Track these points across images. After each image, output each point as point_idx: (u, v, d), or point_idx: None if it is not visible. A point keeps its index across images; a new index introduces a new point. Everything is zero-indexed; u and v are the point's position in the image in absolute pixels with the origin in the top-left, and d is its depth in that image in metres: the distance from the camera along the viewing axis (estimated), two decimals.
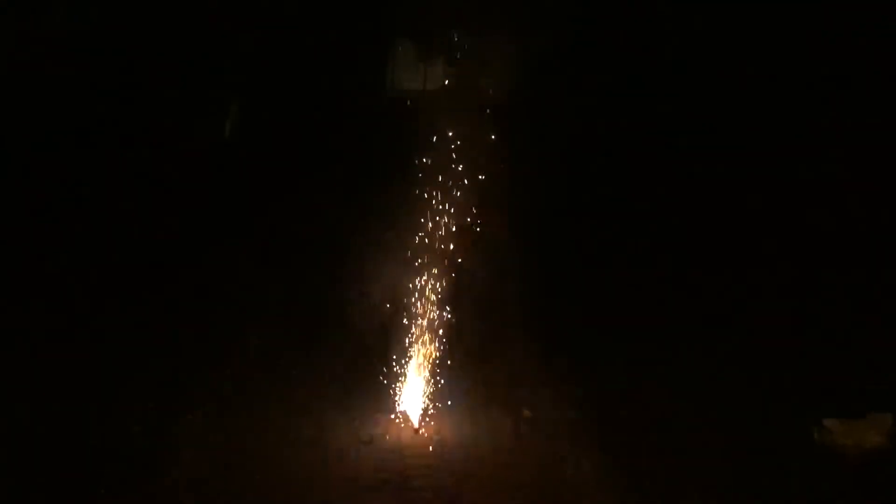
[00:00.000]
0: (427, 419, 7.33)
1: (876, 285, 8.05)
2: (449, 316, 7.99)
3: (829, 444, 6.83)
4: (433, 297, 8.12)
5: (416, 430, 7.21)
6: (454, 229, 8.29)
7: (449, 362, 7.75)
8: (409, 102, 9.60)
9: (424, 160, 8.39)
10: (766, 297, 8.20)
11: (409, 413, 7.38)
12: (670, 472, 6.29)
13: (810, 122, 8.88)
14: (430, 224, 8.32)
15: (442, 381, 7.63)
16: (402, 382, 7.69)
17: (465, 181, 8.45)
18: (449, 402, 7.43)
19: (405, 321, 7.99)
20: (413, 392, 7.62)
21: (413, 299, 8.10)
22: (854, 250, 8.35)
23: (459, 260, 8.17)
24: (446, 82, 9.63)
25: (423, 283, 8.15)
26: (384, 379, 7.64)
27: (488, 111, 8.53)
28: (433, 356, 7.88)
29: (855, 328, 7.65)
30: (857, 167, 8.58)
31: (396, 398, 7.55)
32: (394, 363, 7.80)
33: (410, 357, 7.88)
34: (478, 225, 8.29)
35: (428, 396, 7.57)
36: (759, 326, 7.82)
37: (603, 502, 6.04)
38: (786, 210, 8.70)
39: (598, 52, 9.36)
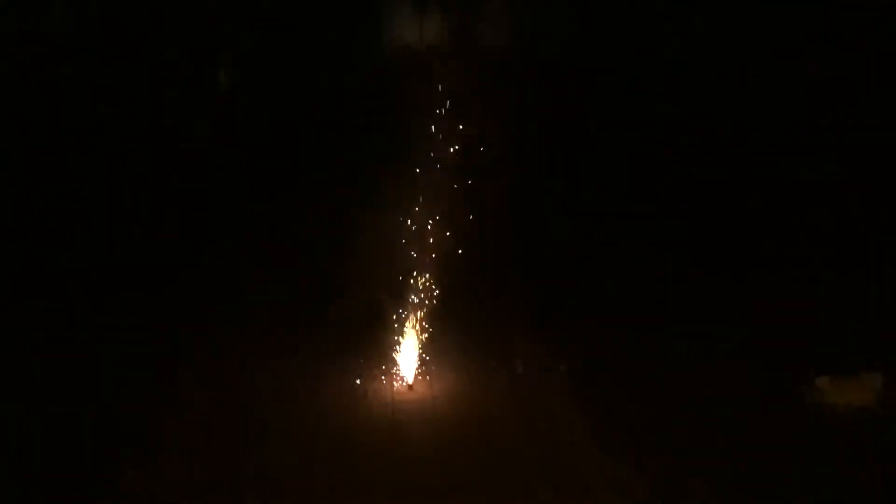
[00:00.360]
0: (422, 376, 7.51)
1: (868, 247, 8.29)
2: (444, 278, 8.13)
3: (819, 402, 6.99)
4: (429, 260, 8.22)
5: (410, 387, 7.39)
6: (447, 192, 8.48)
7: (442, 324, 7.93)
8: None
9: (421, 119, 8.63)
10: (759, 256, 8.41)
11: (403, 371, 7.50)
12: (659, 426, 6.45)
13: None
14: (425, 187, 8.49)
15: (437, 341, 7.79)
16: (398, 340, 7.80)
17: (462, 141, 8.61)
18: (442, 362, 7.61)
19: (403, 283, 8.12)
20: (409, 351, 7.72)
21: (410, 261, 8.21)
22: (846, 211, 8.57)
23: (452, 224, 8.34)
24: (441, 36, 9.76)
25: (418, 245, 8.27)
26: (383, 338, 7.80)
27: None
28: (427, 319, 8.01)
29: (848, 288, 7.87)
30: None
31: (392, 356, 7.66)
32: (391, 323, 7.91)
33: (406, 317, 7.97)
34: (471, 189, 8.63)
35: (423, 355, 7.69)
36: (753, 285, 8.07)
37: (591, 455, 6.15)
38: (772, 169, 8.93)
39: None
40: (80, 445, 6.29)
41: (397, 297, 8.00)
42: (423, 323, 7.92)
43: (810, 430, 6.49)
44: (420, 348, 7.73)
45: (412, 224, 8.30)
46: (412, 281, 8.10)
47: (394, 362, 7.59)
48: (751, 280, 8.17)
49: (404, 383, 7.41)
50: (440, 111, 8.66)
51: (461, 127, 8.58)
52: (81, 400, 6.79)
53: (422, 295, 8.06)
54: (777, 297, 7.83)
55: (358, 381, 7.27)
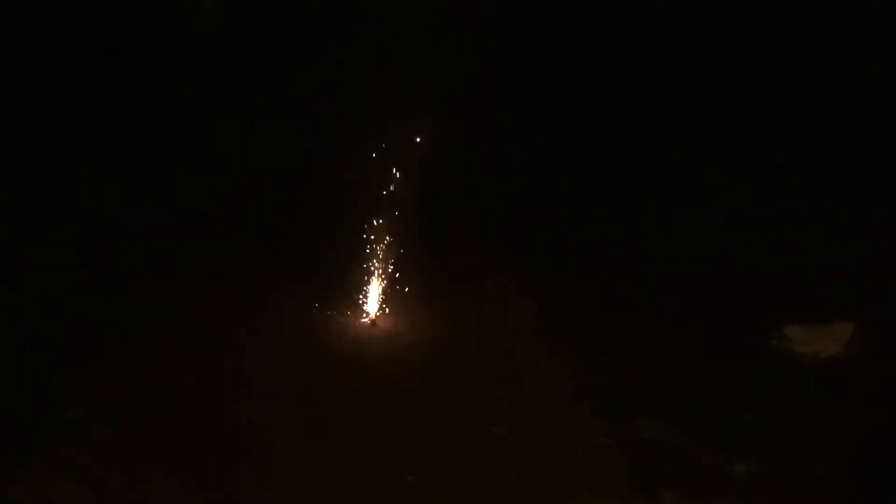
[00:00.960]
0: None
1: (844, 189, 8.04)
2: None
3: (787, 351, 6.93)
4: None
5: (373, 322, 7.04)
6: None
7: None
8: None
9: None
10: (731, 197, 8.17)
11: (364, 302, 7.16)
12: (625, 371, 6.26)
13: None
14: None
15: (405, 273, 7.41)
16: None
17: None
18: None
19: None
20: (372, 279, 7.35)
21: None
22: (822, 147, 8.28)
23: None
24: None
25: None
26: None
27: None
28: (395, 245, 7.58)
29: (820, 232, 7.67)
30: None
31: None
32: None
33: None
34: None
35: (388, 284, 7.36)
36: (719, 226, 7.83)
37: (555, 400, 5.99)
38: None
39: None
40: None
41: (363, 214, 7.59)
42: (391, 248, 7.50)
43: (778, 379, 6.44)
44: (384, 277, 7.32)
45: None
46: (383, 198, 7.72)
47: (354, 291, 7.22)
48: (717, 221, 7.98)
49: (366, 317, 7.04)
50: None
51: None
52: None
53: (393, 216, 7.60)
54: (744, 241, 7.66)
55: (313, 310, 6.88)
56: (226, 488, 4.79)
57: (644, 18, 8.10)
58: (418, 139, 7.97)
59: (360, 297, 7.25)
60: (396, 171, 7.82)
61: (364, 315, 7.13)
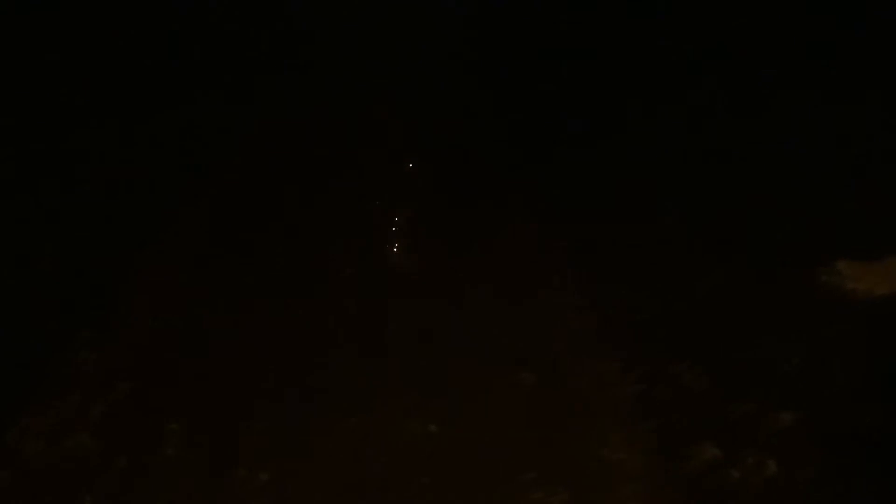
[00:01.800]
0: None
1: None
2: None
3: (838, 287, 6.51)
4: None
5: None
6: None
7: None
8: None
9: None
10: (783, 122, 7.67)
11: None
12: (663, 309, 5.88)
13: None
14: None
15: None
16: None
17: None
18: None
19: None
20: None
21: None
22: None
23: None
24: None
25: None
26: None
27: None
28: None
29: (876, 162, 7.16)
30: None
31: None
32: None
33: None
34: None
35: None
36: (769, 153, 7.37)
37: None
38: None
39: None
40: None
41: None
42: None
43: (827, 320, 6.04)
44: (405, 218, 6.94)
45: None
46: None
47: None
48: (767, 148, 7.52)
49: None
50: None
51: None
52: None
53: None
54: (795, 171, 7.19)
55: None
56: (237, 441, 4.61)
57: None
58: None
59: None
60: None
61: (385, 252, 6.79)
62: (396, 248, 6.43)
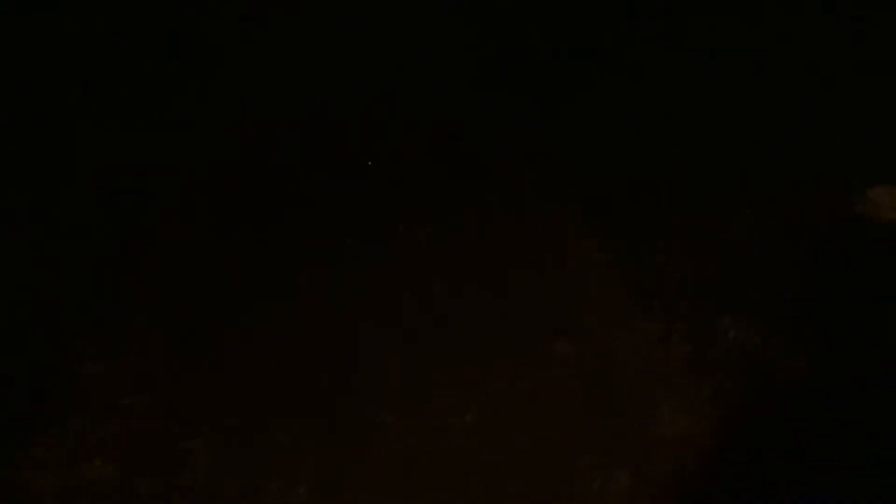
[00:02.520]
0: None
1: None
2: None
3: (872, 215, 6.19)
4: None
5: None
6: None
7: None
8: None
9: None
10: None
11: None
12: (699, 261, 5.53)
13: None
14: None
15: None
16: None
17: None
18: None
19: None
20: None
21: None
22: None
23: None
24: None
25: None
26: None
27: None
28: None
29: None
30: None
31: None
32: None
33: None
34: None
35: None
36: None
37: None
38: None
39: None
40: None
41: None
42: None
43: (859, 244, 5.75)
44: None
45: None
46: None
47: None
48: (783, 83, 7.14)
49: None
50: None
51: None
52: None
53: None
54: (814, 102, 6.83)
55: None
56: (267, 453, 4.28)
57: None
58: None
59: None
60: None
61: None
62: (403, 225, 6.02)
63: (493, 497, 3.90)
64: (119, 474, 4.18)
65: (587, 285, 5.42)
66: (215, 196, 6.47)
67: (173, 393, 4.69)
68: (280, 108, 7.87)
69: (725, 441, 4.20)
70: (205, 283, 5.54)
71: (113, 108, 7.44)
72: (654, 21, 8.68)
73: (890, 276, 5.40)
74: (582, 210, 6.12)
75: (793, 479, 3.94)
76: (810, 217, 5.98)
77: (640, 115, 7.31)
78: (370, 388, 4.60)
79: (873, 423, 4.16)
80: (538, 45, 8.74)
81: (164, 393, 4.69)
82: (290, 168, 6.80)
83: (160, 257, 5.81)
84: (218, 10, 9.73)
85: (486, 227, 6.02)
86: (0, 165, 6.51)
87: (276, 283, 5.45)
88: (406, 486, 3.99)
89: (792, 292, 5.28)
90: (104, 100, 7.54)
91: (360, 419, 4.40)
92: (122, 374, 4.81)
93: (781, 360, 4.68)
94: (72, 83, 7.65)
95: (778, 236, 5.81)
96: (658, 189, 6.28)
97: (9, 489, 4.10)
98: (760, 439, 4.21)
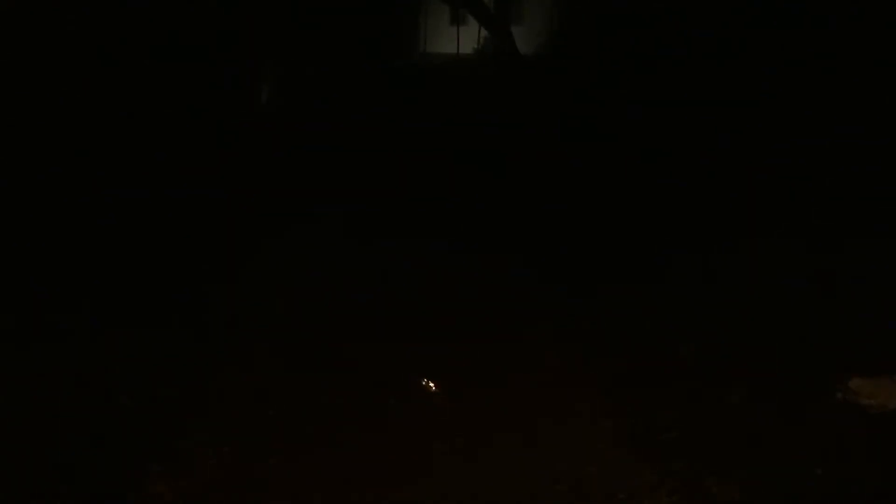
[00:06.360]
0: None
1: None
2: None
3: (852, 402, 6.80)
4: None
5: None
6: None
7: None
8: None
9: None
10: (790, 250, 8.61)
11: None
12: (690, 426, 6.34)
13: None
14: None
15: None
16: None
17: None
18: None
19: None
20: None
21: None
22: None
23: None
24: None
25: None
26: None
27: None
28: None
29: (883, 285, 7.83)
30: None
31: None
32: None
33: None
34: None
35: None
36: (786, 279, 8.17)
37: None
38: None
39: None
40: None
41: None
42: None
43: (842, 430, 6.46)
44: None
45: None
46: None
47: None
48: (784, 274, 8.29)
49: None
50: None
51: None
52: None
53: None
54: (809, 295, 7.88)
55: None
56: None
57: None
58: None
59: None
60: None
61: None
62: (428, 382, 7.04)
63: None
64: None
65: (591, 444, 6.23)
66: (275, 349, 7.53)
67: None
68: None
69: None
70: (258, 425, 6.32)
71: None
72: (679, 238, 10.32)
73: (863, 455, 6.13)
74: (596, 382, 7.05)
75: None
76: (797, 401, 6.80)
77: (657, 312, 8.38)
78: None
79: None
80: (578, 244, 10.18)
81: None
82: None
83: (221, 405, 6.71)
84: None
85: (510, 388, 6.99)
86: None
87: (324, 414, 6.41)
88: None
89: (773, 461, 6.04)
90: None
91: None
92: (187, 497, 5.48)
93: None
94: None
95: (766, 415, 6.61)
96: (664, 370, 7.20)
97: None
98: None
